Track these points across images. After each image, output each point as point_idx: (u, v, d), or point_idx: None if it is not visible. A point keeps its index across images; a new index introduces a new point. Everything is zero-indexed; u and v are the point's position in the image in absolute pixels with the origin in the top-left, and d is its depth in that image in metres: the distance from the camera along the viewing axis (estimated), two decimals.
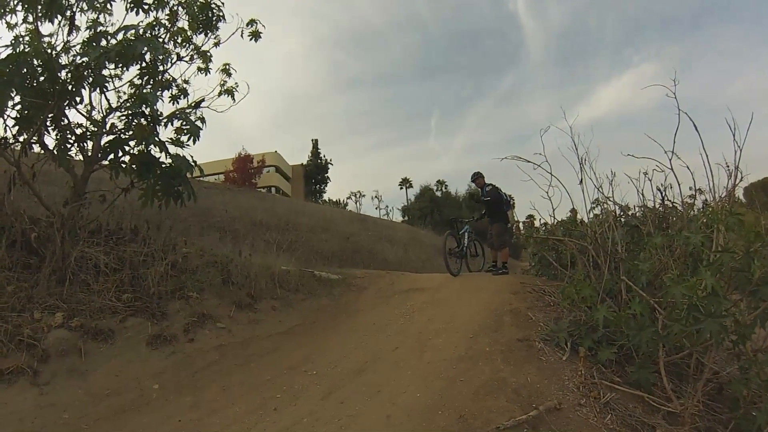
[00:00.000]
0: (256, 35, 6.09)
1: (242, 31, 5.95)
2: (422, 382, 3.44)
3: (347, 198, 52.44)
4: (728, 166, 3.17)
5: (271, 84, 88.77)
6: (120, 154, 4.60)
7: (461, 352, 3.75)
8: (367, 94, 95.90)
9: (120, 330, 3.85)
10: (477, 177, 7.53)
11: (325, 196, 44.59)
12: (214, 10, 5.47)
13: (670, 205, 4.15)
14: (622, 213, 4.37)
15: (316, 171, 43.43)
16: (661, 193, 4.14)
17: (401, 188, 54.01)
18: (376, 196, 57.53)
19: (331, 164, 44.69)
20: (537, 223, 5.53)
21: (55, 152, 4.29)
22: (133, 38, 4.21)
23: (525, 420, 2.72)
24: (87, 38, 4.29)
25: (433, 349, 4.04)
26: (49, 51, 4.02)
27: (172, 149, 4.59)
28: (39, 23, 4.29)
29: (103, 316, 3.85)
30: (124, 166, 4.58)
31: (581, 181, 4.06)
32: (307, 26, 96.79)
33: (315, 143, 44.67)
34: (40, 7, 4.18)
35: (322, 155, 44.30)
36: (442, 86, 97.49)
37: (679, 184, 3.78)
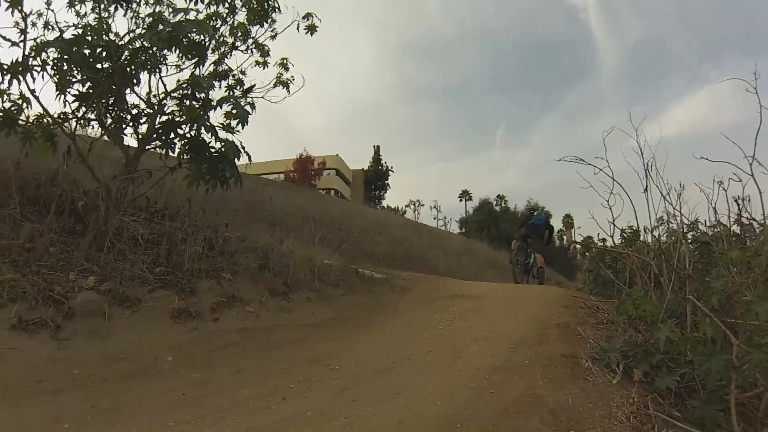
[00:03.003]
0: (312, 29, 6.08)
1: (298, 23, 5.98)
2: (448, 389, 2.98)
3: (406, 206, 52.05)
4: None
5: (338, 90, 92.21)
6: (172, 135, 4.78)
7: (498, 362, 3.23)
8: (433, 105, 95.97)
9: (147, 300, 3.86)
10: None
11: (384, 203, 44.77)
12: (270, 1, 5.55)
13: (747, 222, 3.35)
14: (690, 229, 3.64)
15: (376, 177, 43.97)
16: (738, 206, 3.42)
17: (461, 200, 52.88)
18: (434, 206, 55.40)
19: (392, 171, 45.07)
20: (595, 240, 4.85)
21: (111, 130, 4.53)
22: (184, 21, 4.35)
23: None
24: (147, 24, 4.53)
25: (467, 357, 3.54)
26: (110, 35, 4.28)
27: (222, 134, 4.67)
28: (106, 13, 4.61)
29: (132, 285, 3.89)
30: (174, 147, 4.75)
31: (646, 188, 3.42)
32: (375, 35, 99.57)
33: (377, 149, 45.39)
34: None
35: (383, 162, 44.78)
36: (510, 99, 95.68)
37: (760, 193, 3.07)
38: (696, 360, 2.45)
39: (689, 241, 3.65)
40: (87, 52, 4.20)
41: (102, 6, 4.59)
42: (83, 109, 4.45)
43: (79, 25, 4.24)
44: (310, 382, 3.53)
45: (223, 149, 4.60)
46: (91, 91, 4.30)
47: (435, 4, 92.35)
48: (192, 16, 4.82)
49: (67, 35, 4.21)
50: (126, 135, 4.75)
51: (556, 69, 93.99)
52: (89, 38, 4.19)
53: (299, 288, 5.34)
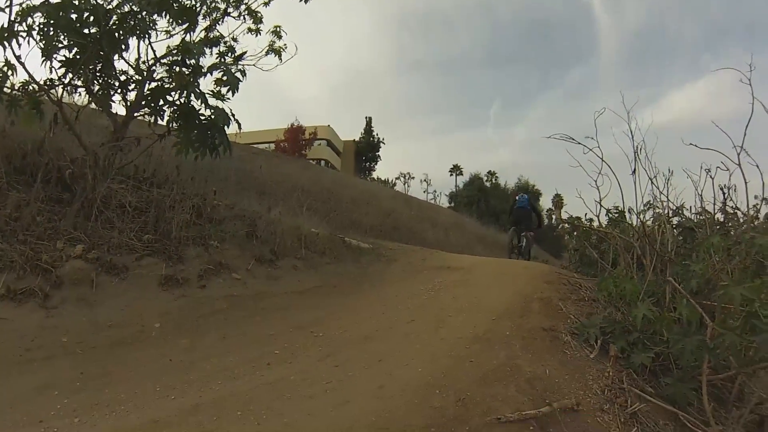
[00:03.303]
0: None
1: None
2: (429, 357, 3.11)
3: (396, 178, 51.66)
4: None
5: (333, 59, 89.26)
6: (161, 103, 4.68)
7: (479, 332, 3.36)
8: (429, 77, 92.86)
9: (134, 267, 3.90)
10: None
11: (374, 174, 44.56)
12: None
13: (731, 212, 3.42)
14: (675, 214, 3.71)
15: (367, 148, 43.51)
16: (724, 194, 3.49)
17: (451, 174, 52.21)
18: (425, 180, 54.22)
19: (383, 143, 44.51)
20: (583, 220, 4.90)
21: (98, 96, 4.41)
22: None
23: (534, 416, 2.30)
24: None
25: (449, 327, 3.67)
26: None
27: (212, 102, 4.57)
28: None
29: (120, 253, 3.91)
30: (163, 114, 4.66)
31: (634, 171, 3.45)
32: (373, 4, 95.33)
33: (369, 121, 44.70)
34: None
35: (375, 133, 44.26)
36: (506, 76, 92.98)
37: (746, 183, 3.14)
38: (671, 339, 2.55)
39: (674, 225, 3.72)
40: (74, 16, 4.05)
41: None
42: (70, 75, 4.31)
43: None
44: (295, 348, 3.65)
45: (213, 117, 4.53)
46: (78, 57, 4.17)
47: None
48: None
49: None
50: (114, 102, 4.65)
51: (555, 49, 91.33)
52: (76, 2, 4.01)
53: (286, 256, 5.40)
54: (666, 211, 3.66)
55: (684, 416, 2.38)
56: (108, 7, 4.38)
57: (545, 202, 44.40)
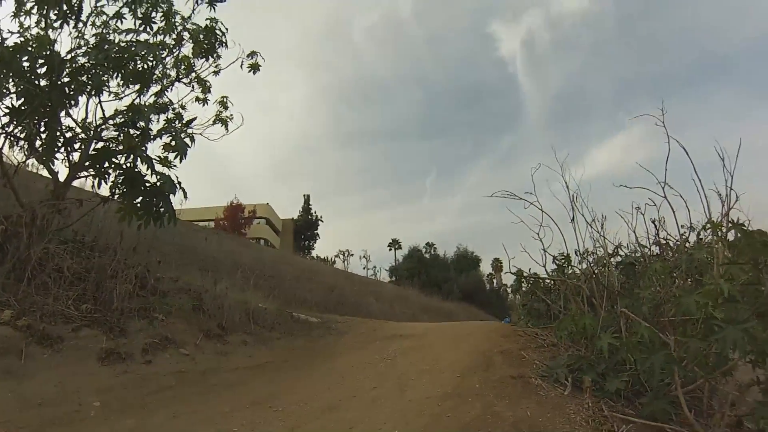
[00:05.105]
0: (255, 67, 6.18)
1: (242, 61, 6.05)
2: (401, 419, 3.10)
3: (335, 256, 51.49)
4: (719, 194, 3.15)
5: (272, 133, 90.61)
6: (106, 165, 4.51)
7: (447, 390, 3.43)
8: (366, 149, 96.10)
9: (71, 339, 3.47)
10: None
11: (314, 253, 44.13)
12: (218, 35, 5.64)
13: (664, 242, 4.05)
14: (614, 254, 4.27)
15: (306, 227, 43.76)
16: (656, 226, 4.04)
17: (390, 249, 53.66)
18: (364, 256, 54.52)
19: (322, 221, 45.25)
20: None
21: (41, 151, 4.20)
22: (133, 42, 4.34)
23: None
24: (93, 44, 4.44)
25: (415, 389, 3.69)
26: (53, 47, 4.09)
27: (158, 168, 4.47)
28: (50, 30, 4.44)
29: (55, 322, 3.48)
30: (108, 177, 4.48)
31: (573, 219, 4.01)
32: (311, 76, 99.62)
33: (307, 199, 45.74)
34: (54, 12, 4.35)
35: (313, 211, 44.97)
36: (442, 144, 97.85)
37: (673, 212, 3.66)
38: (638, 359, 2.71)
39: (614, 265, 4.14)
40: (27, 64, 3.96)
41: (47, 22, 4.42)
42: (14, 124, 4.08)
43: (23, 35, 4.00)
44: (255, 424, 3.38)
45: (159, 183, 4.40)
46: (24, 107, 4.01)
47: (371, 47, 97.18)
48: (134, 34, 4.79)
49: (10, 42, 3.96)
50: (57, 159, 4.39)
51: (488, 116, 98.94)
52: (31, 49, 3.96)
53: (235, 331, 5.13)
54: (606, 252, 4.09)
55: (671, 428, 2.53)
56: (65, 58, 4.35)
57: (485, 268, 46.49)
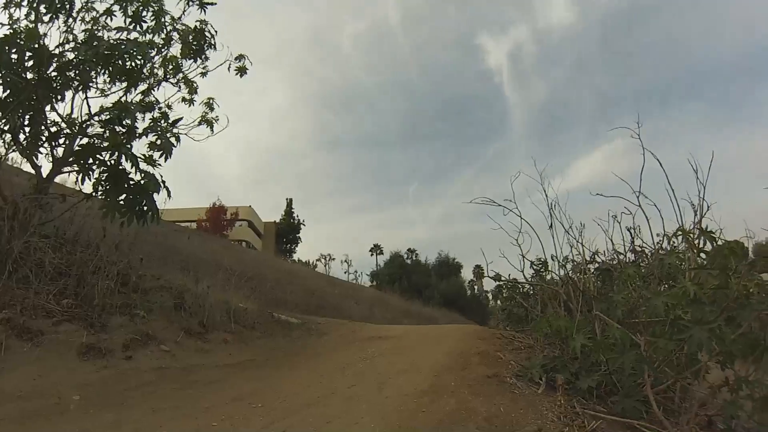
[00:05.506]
0: (242, 70, 6.27)
1: (230, 63, 6.13)
2: (378, 414, 3.20)
3: (317, 260, 51.41)
4: (693, 205, 3.33)
5: (257, 137, 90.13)
6: (91, 161, 4.51)
7: (424, 387, 3.54)
8: (349, 155, 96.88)
9: (51, 333, 3.48)
10: None
11: (295, 256, 44.07)
12: (207, 37, 5.71)
13: (640, 250, 4.22)
14: (591, 261, 4.42)
15: (288, 230, 43.66)
16: (631, 234, 4.14)
17: (372, 254, 53.68)
18: (345, 260, 54.88)
19: (304, 225, 45.37)
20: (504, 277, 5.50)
21: (25, 145, 4.19)
22: (123, 40, 4.37)
23: None
24: (82, 40, 4.45)
25: (393, 387, 3.81)
26: (42, 41, 4.10)
27: (143, 166, 4.50)
28: (40, 23, 4.44)
29: (36, 316, 3.50)
30: (92, 173, 4.48)
31: (551, 225, 4.14)
32: (296, 82, 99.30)
33: (289, 203, 45.86)
34: (44, 5, 4.35)
35: (295, 215, 44.98)
36: (425, 153, 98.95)
37: (647, 219, 3.76)
38: (610, 359, 2.81)
39: (591, 271, 4.26)
40: (15, 56, 3.96)
41: (37, 15, 4.41)
42: None
43: (13, 27, 3.99)
44: (235, 420, 3.44)
45: (143, 181, 4.45)
46: (10, 99, 4.00)
47: (357, 55, 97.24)
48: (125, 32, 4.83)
49: None
50: (41, 153, 4.38)
51: (472, 126, 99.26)
52: (20, 41, 3.97)
53: (215, 329, 5.18)
54: (583, 259, 4.20)
55: (640, 424, 2.61)
56: (52, 52, 4.34)
57: (466, 274, 46.91)
